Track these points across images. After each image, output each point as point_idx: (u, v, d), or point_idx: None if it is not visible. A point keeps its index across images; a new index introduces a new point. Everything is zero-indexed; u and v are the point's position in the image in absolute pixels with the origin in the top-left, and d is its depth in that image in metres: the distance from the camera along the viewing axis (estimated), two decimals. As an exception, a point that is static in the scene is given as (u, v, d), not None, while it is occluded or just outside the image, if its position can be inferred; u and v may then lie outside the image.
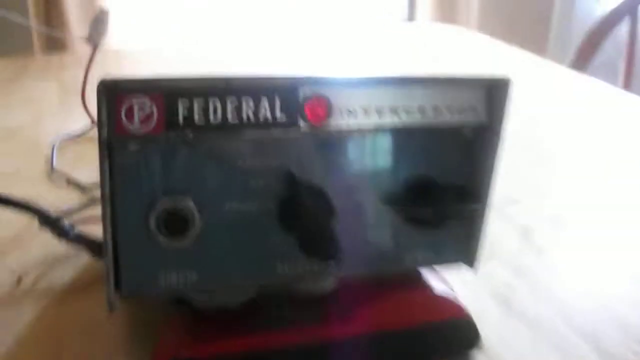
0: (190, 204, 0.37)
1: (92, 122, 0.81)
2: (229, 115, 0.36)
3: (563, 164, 0.84)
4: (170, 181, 0.37)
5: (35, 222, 0.53)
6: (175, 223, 0.37)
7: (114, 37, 0.86)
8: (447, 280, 0.47)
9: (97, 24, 0.81)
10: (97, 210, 0.64)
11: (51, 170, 0.78)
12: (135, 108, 0.35)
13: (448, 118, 0.41)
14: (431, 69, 0.57)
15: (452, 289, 0.46)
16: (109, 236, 0.36)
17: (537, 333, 0.48)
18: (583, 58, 1.80)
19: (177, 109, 0.35)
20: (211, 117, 0.36)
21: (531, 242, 0.63)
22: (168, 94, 0.35)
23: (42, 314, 0.51)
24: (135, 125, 0.35)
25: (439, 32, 1.72)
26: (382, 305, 0.44)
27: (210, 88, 0.36)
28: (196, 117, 0.36)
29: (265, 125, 0.37)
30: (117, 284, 0.38)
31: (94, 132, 0.82)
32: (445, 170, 0.42)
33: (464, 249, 0.44)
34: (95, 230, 0.53)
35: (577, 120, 1.01)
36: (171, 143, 0.36)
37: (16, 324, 0.49)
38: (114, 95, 0.34)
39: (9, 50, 1.46)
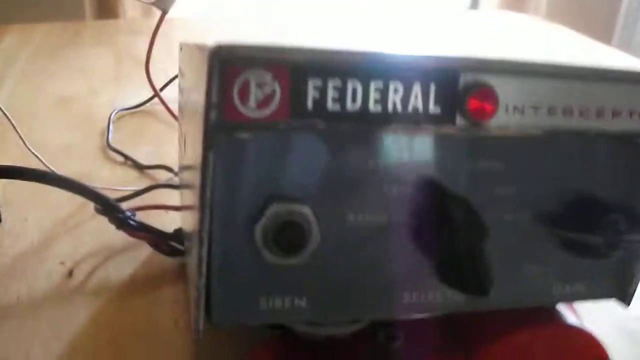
0: (308, 212, 0.29)
1: (155, 93, 0.73)
2: (371, 102, 0.28)
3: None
4: (286, 183, 0.29)
5: (88, 204, 0.46)
6: (289, 236, 0.28)
7: (180, 4, 0.78)
8: (578, 313, 0.39)
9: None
10: (158, 195, 0.58)
11: (107, 146, 0.70)
12: (252, 86, 0.26)
13: (628, 123, 0.32)
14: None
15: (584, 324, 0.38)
16: (205, 253, 0.28)
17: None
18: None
19: (306, 90, 0.27)
20: (349, 103, 0.28)
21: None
22: (296, 69, 0.27)
23: (96, 314, 0.44)
24: (250, 109, 0.27)
25: (514, 21, 1.61)
26: (508, 342, 0.36)
27: (351, 65, 0.27)
28: (329, 101, 0.27)
29: (415, 118, 0.29)
30: (207, 308, 0.30)
31: (153, 105, 0.77)
32: (616, 189, 0.34)
33: (621, 284, 0.36)
34: (157, 219, 0.46)
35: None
36: (294, 134, 0.28)
37: (67, 325, 0.42)
38: (227, 66, 0.26)
39: (59, 15, 1.40)
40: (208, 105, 0.26)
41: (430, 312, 0.33)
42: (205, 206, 0.27)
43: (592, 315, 0.40)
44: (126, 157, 0.67)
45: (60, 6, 1.52)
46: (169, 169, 0.63)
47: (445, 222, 0.30)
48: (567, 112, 0.31)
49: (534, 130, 0.31)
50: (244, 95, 0.26)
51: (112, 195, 0.47)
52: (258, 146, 0.28)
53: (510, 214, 0.32)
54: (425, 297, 0.32)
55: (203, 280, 0.28)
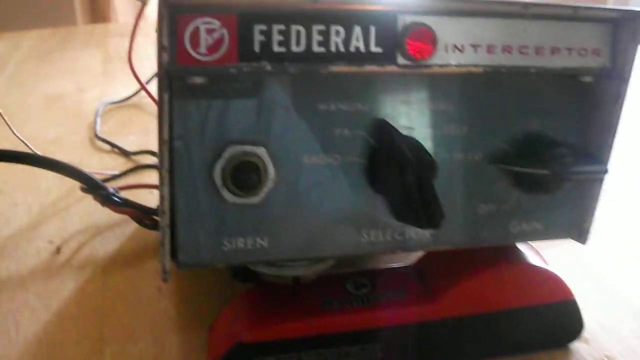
0: (264, 153, 0.31)
1: (140, 85, 0.75)
2: (314, 44, 0.30)
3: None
4: (241, 125, 0.31)
5: (76, 189, 0.48)
6: (245, 176, 0.30)
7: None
8: (544, 258, 0.41)
9: (146, -19, 0.74)
10: (142, 177, 0.60)
11: (94, 137, 0.72)
12: (202, 32, 0.28)
13: (568, 61, 0.34)
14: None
15: (551, 268, 0.40)
16: (167, 191, 0.30)
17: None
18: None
19: (252, 35, 0.29)
20: (293, 45, 0.29)
21: (619, 218, 0.56)
22: (242, 15, 0.29)
23: (83, 287, 0.46)
24: (201, 53, 0.28)
25: None
26: (475, 283, 0.37)
27: (293, 11, 0.29)
28: (275, 44, 0.29)
29: (357, 58, 0.30)
30: (174, 251, 0.31)
31: (139, 98, 0.79)
32: (562, 124, 0.35)
33: (576, 220, 0.38)
34: (141, 198, 0.48)
35: None
36: (244, 77, 0.30)
37: (55, 298, 0.44)
38: (177, 14, 0.28)
39: (51, 21, 1.41)
40: (160, 49, 0.27)
41: (390, 250, 0.35)
42: (163, 145, 0.29)
43: (559, 262, 0.41)
44: (113, 145, 0.69)
45: (52, 12, 1.53)
46: (153, 153, 0.65)
47: (395, 160, 0.31)
48: (506, 50, 0.33)
49: (474, 68, 0.32)
50: (195, 40, 0.28)
51: (99, 178, 0.49)
52: (212, 90, 0.30)
53: (460, 153, 0.34)
54: (383, 236, 0.34)
55: (166, 219, 0.30)
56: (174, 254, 0.31)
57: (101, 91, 0.88)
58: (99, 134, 0.72)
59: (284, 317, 0.35)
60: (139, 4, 0.77)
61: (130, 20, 0.77)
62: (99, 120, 0.76)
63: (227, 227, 0.32)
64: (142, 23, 0.73)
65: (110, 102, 0.82)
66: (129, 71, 0.72)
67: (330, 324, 0.35)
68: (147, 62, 0.74)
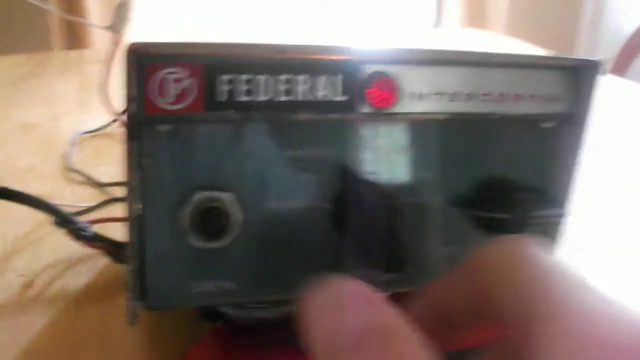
0: (230, 198, 0.31)
1: (114, 116, 0.75)
2: (280, 93, 0.30)
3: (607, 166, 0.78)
4: (207, 171, 0.31)
5: (47, 222, 0.48)
6: (212, 221, 0.31)
7: (138, 30, 0.80)
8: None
9: (120, 11, 0.75)
10: (115, 210, 0.60)
11: (68, 167, 0.72)
12: (170, 81, 0.29)
13: (530, 107, 0.35)
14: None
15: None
16: (135, 236, 0.30)
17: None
18: (620, 67, 1.74)
19: (219, 84, 0.30)
20: (259, 94, 0.30)
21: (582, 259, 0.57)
22: (209, 65, 0.29)
23: (53, 322, 0.46)
24: (168, 102, 0.29)
25: (476, 38, 1.65)
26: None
27: (260, 61, 0.30)
28: (241, 93, 0.30)
29: (322, 106, 0.31)
30: (141, 293, 0.32)
31: (113, 128, 0.79)
32: (523, 169, 0.36)
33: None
34: (113, 231, 0.48)
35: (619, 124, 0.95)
36: (210, 125, 0.30)
37: (24, 332, 0.44)
38: (144, 64, 0.28)
39: (27, 47, 1.41)
40: (127, 99, 0.28)
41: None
42: (132, 193, 0.29)
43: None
44: (86, 176, 0.69)
45: (27, 37, 1.54)
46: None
47: (359, 205, 0.32)
48: (470, 97, 0.33)
49: (438, 115, 0.33)
50: (162, 90, 0.29)
51: (71, 211, 0.49)
52: (178, 138, 0.30)
53: (423, 198, 0.35)
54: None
55: (134, 264, 0.30)
56: (142, 296, 0.32)
57: (76, 120, 0.88)
58: (73, 165, 0.72)
59: (250, 356, 0.35)
60: (104, 28, 0.78)
61: (107, 47, 0.77)
62: (72, 150, 0.76)
63: (195, 270, 0.32)
64: (119, 52, 0.74)
65: (84, 132, 0.82)
66: (104, 100, 0.72)
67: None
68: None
